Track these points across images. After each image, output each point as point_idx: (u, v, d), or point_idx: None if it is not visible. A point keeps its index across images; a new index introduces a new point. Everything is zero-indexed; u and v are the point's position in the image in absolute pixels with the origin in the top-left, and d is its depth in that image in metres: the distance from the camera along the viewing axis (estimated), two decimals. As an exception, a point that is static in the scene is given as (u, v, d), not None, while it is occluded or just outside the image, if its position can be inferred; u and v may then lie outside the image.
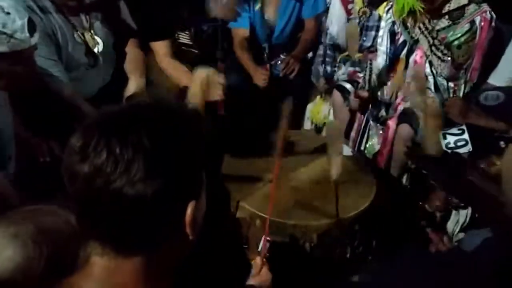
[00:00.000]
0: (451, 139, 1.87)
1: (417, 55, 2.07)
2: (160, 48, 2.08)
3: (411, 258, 1.49)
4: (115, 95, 1.86)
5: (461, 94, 2.08)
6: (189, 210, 0.60)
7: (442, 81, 2.11)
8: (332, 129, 1.51)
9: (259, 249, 1.50)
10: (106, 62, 1.83)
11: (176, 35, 2.32)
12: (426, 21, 2.01)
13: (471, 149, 1.79)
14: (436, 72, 2.08)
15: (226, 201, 1.58)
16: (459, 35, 1.97)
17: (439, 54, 2.01)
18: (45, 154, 1.53)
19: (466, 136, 1.83)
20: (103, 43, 1.78)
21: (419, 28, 2.02)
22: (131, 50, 1.97)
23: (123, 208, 0.56)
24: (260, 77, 2.24)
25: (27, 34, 1.21)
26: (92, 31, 1.74)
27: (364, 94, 2.10)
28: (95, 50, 1.75)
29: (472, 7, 1.97)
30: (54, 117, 1.59)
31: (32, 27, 1.23)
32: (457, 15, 1.98)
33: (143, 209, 0.57)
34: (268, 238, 1.48)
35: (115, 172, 0.55)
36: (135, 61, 1.96)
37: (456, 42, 1.99)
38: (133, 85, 1.89)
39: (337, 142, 1.44)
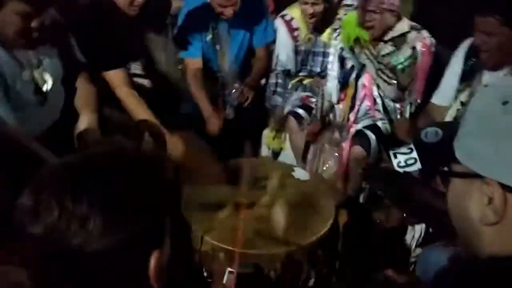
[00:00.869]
0: (401, 158, 1.93)
1: (365, 79, 2.18)
2: (115, 77, 2.02)
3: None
4: (64, 132, 1.81)
5: (407, 115, 2.21)
6: (152, 262, 0.59)
7: (389, 103, 2.23)
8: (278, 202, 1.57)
9: (224, 281, 1.49)
10: (55, 100, 1.78)
11: (128, 66, 2.31)
12: (371, 48, 2.12)
13: (420, 167, 1.88)
14: (384, 94, 2.20)
15: (187, 235, 1.56)
16: (402, 59, 2.10)
17: (385, 77, 2.13)
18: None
19: (414, 154, 1.92)
20: (53, 80, 1.73)
21: (365, 54, 2.13)
22: (82, 85, 1.92)
23: (81, 266, 0.55)
24: (214, 123, 2.24)
25: None
26: (40, 68, 1.69)
27: (316, 127, 2.19)
28: (44, 88, 1.70)
29: (413, 33, 2.12)
30: (2, 159, 1.52)
31: None
32: (400, 41, 2.12)
33: (102, 265, 0.55)
34: (231, 270, 1.47)
35: (69, 230, 0.53)
36: (86, 96, 1.91)
37: (400, 66, 2.12)
38: (84, 121, 1.84)
39: (280, 210, 1.50)
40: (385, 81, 2.14)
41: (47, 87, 1.71)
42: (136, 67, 2.53)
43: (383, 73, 2.12)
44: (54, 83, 1.74)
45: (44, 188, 0.56)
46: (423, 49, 2.13)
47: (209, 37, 2.35)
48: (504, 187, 0.57)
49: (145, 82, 2.48)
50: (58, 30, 1.82)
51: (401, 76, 2.14)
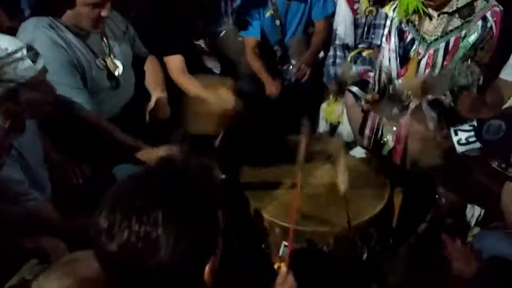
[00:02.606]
0: (462, 136, 1.89)
1: (427, 54, 2.08)
2: (175, 63, 2.14)
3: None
4: (137, 112, 1.98)
5: (474, 90, 2.10)
6: (207, 267, 0.68)
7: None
8: (335, 149, 1.58)
9: (280, 254, 1.61)
10: (126, 83, 1.93)
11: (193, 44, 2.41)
12: (436, 22, 2.01)
13: (481, 146, 1.82)
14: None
15: (246, 210, 1.68)
16: (474, 38, 1.95)
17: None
18: (78, 176, 1.65)
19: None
20: (123, 65, 1.88)
21: (428, 31, 2.03)
22: (150, 67, 2.07)
23: (150, 276, 0.65)
24: (272, 87, 2.30)
25: (30, 62, 1.27)
26: (112, 56, 1.84)
27: (373, 97, 2.14)
28: (116, 73, 1.85)
29: (481, 2, 1.96)
30: (83, 141, 1.71)
31: (34, 55, 1.29)
32: (467, 12, 1.98)
33: (167, 276, 0.65)
34: (286, 244, 1.58)
35: (138, 248, 0.64)
36: (155, 77, 2.06)
37: (476, 43, 1.94)
38: (155, 100, 2.00)
39: (341, 159, 1.51)
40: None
41: (118, 72, 1.86)
42: (201, 45, 2.63)
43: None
44: (125, 68, 1.89)
45: (116, 212, 0.66)
46: (495, 19, 1.97)
47: (268, 13, 2.37)
48: None
49: (209, 59, 2.57)
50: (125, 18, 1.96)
51: (480, 53, 1.99)
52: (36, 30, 1.63)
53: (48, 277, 0.86)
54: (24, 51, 1.27)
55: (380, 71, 2.23)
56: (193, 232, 0.67)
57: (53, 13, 1.66)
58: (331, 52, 2.53)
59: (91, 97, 1.76)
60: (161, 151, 1.63)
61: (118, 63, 1.85)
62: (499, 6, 1.97)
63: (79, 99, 1.69)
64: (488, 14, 1.96)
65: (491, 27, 1.95)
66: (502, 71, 1.91)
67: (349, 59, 2.53)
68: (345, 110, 2.49)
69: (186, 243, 0.65)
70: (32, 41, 1.41)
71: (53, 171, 1.60)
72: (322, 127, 2.61)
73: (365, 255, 1.68)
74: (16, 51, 1.24)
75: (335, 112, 2.53)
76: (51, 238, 1.30)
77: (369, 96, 2.15)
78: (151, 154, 1.66)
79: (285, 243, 1.60)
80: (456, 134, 1.95)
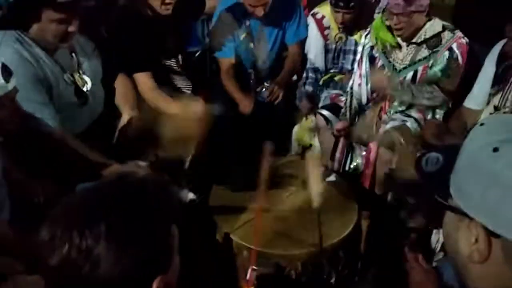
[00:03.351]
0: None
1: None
2: (144, 80, 2.12)
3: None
4: (107, 129, 1.94)
5: (438, 116, 2.17)
6: (155, 285, 0.65)
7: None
8: (312, 158, 1.59)
9: (247, 277, 1.58)
10: (95, 99, 1.90)
11: (163, 63, 2.40)
12: (404, 54, 2.08)
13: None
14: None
15: (214, 232, 1.65)
16: (442, 65, 2.03)
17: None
18: (39, 195, 1.59)
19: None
20: (92, 81, 1.85)
21: (397, 59, 2.10)
22: (120, 84, 2.04)
23: None
24: (245, 104, 2.30)
25: (2, 81, 1.25)
26: (80, 71, 1.81)
27: (343, 125, 2.19)
28: (84, 89, 1.82)
29: (447, 34, 2.05)
30: (47, 158, 1.66)
31: (7, 74, 1.28)
32: (434, 43, 2.07)
33: None
34: (254, 267, 1.55)
35: (78, 262, 0.62)
36: (125, 94, 2.03)
37: (443, 72, 2.04)
38: (125, 119, 1.96)
39: (316, 170, 1.52)
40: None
41: (87, 88, 1.83)
42: (172, 64, 2.62)
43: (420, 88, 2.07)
44: (94, 84, 1.86)
45: (58, 224, 0.64)
46: (461, 50, 2.06)
47: (242, 35, 2.40)
48: (488, 230, 0.58)
49: (180, 79, 2.57)
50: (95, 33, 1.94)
51: (445, 82, 2.07)
52: (2, 44, 1.60)
53: None
54: None
55: (351, 97, 2.28)
56: (138, 249, 0.64)
57: (20, 27, 1.63)
58: (304, 75, 2.57)
59: (58, 113, 1.71)
60: (126, 168, 1.59)
61: (87, 78, 1.82)
62: (465, 38, 2.06)
63: (44, 114, 1.64)
64: (454, 46, 2.05)
65: (456, 57, 2.05)
66: (466, 100, 1.98)
67: (321, 83, 2.58)
68: (316, 133, 2.52)
69: (129, 260, 0.63)
70: None
71: (13, 189, 1.54)
72: (295, 149, 2.62)
73: (333, 279, 1.67)
74: None
75: (307, 135, 2.56)
76: (6, 259, 1.23)
77: (340, 125, 2.20)
78: (117, 171, 1.62)
79: (253, 266, 1.58)
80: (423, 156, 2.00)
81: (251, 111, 2.31)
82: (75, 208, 0.66)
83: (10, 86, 1.28)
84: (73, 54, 1.79)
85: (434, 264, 1.86)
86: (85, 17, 1.70)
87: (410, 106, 2.17)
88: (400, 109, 2.20)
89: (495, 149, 0.59)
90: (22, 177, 1.61)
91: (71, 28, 1.63)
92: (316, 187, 1.53)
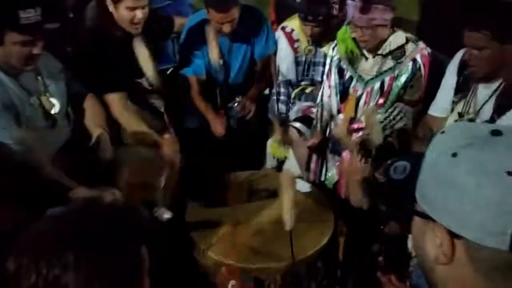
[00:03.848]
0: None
1: (365, 93, 2.19)
2: (114, 101, 2.09)
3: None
4: (77, 151, 1.90)
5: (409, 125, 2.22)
6: None
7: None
8: (286, 179, 1.59)
9: (227, 295, 1.56)
10: (63, 122, 1.87)
11: (135, 82, 2.38)
12: (370, 66, 2.14)
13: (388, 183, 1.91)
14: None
15: (191, 249, 1.63)
16: (405, 78, 2.09)
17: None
18: (8, 221, 1.54)
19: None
20: (60, 103, 1.82)
21: (364, 70, 2.16)
22: (90, 105, 2.01)
23: None
24: (217, 125, 2.30)
25: None
26: (47, 94, 1.78)
27: (316, 140, 2.22)
28: (52, 111, 1.79)
29: (411, 45, 2.11)
30: (16, 184, 1.61)
31: None
32: (398, 54, 2.13)
33: None
34: (233, 283, 1.54)
35: None
36: (94, 116, 2.00)
37: (407, 82, 2.09)
38: (96, 140, 1.93)
39: (290, 192, 1.52)
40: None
41: (55, 110, 1.80)
42: (143, 83, 2.61)
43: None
44: (62, 106, 1.83)
45: (24, 254, 0.63)
46: (423, 60, 2.12)
47: (211, 54, 2.41)
48: (451, 232, 0.61)
49: (152, 97, 2.55)
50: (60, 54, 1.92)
51: (410, 91, 2.13)
52: None
53: None
54: None
55: (322, 108, 2.32)
56: (108, 274, 0.63)
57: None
58: (275, 89, 2.60)
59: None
60: (94, 193, 1.56)
61: (55, 101, 1.80)
62: (427, 48, 2.14)
63: (13, 139, 1.60)
64: (418, 57, 2.12)
65: (419, 68, 2.12)
66: (430, 107, 2.04)
67: (293, 95, 2.62)
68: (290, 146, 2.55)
69: (99, 286, 0.62)
70: None
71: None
72: (269, 162, 2.63)
73: (312, 291, 1.67)
74: None
75: (281, 148, 2.58)
76: None
77: (313, 140, 2.23)
78: (84, 196, 1.59)
79: (232, 282, 1.56)
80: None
81: (223, 131, 2.30)
82: (42, 236, 0.65)
83: None
84: (39, 77, 1.76)
85: (410, 268, 1.89)
86: (50, 38, 1.68)
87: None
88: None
89: (454, 155, 0.61)
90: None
91: (35, 50, 1.60)
92: (288, 210, 1.54)
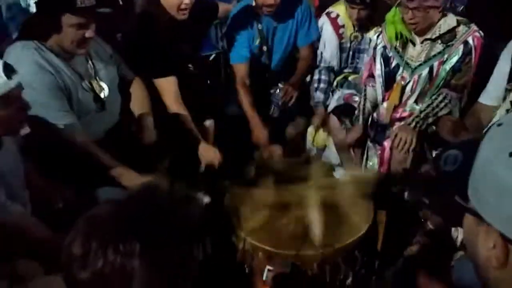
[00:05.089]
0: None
1: (413, 80, 2.13)
2: (168, 86, 2.11)
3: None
4: (123, 136, 1.98)
5: (457, 114, 2.14)
6: None
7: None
8: (312, 198, 1.60)
9: (264, 278, 1.59)
10: (112, 105, 1.94)
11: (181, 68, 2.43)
12: (419, 50, 2.06)
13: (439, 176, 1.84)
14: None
15: (229, 233, 1.66)
16: (455, 61, 2.01)
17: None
18: (58, 200, 1.63)
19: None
20: (108, 87, 1.89)
21: (412, 57, 2.09)
22: (136, 90, 2.08)
23: None
24: (260, 134, 2.26)
25: (4, 78, 1.28)
26: (97, 78, 1.85)
27: (357, 134, 2.18)
28: (102, 95, 1.86)
29: (462, 28, 2.03)
30: (67, 163, 1.70)
31: (9, 71, 1.29)
32: (449, 37, 2.05)
33: None
34: (270, 268, 1.56)
35: (111, 278, 0.62)
36: (141, 100, 2.07)
37: (455, 65, 2.03)
38: (141, 124, 1.99)
39: (317, 211, 1.55)
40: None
41: (104, 94, 1.87)
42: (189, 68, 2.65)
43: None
44: (111, 90, 1.90)
45: (92, 240, 0.64)
46: (476, 44, 2.03)
47: (257, 41, 2.42)
48: (506, 237, 0.56)
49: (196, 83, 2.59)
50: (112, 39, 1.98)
51: (458, 75, 2.05)
52: (21, 54, 1.65)
53: None
54: (0, 67, 1.27)
55: (364, 99, 2.27)
56: (169, 267, 0.64)
57: (38, 37, 1.67)
58: (315, 76, 2.57)
59: (78, 120, 1.76)
60: (145, 179, 1.61)
61: (104, 85, 1.87)
62: (480, 31, 2.04)
63: (66, 121, 1.69)
64: (470, 39, 2.03)
65: (470, 51, 2.03)
66: (480, 95, 1.95)
67: (335, 83, 2.58)
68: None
69: (161, 278, 0.63)
70: (18, 64, 1.42)
71: (33, 192, 1.59)
72: (309, 150, 2.62)
73: (349, 279, 1.66)
74: None
75: (321, 136, 2.56)
76: (28, 262, 1.27)
77: (353, 135, 2.21)
78: (135, 180, 1.65)
79: (269, 267, 1.59)
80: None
81: (265, 141, 2.27)
82: (108, 222, 0.66)
83: (13, 83, 1.30)
84: (90, 61, 1.83)
85: (452, 263, 1.84)
86: (102, 23, 1.75)
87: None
88: (417, 107, 2.18)
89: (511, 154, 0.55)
90: (42, 183, 1.66)
91: (88, 34, 1.67)
92: (316, 227, 1.54)
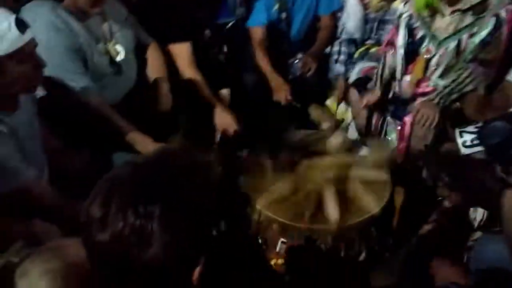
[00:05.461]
0: (467, 137, 1.85)
1: (439, 52, 2.04)
2: (182, 51, 2.08)
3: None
4: (139, 101, 1.95)
5: (481, 90, 2.06)
6: (197, 269, 0.65)
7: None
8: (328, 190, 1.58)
9: (277, 250, 1.58)
10: (129, 69, 1.90)
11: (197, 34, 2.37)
12: (448, 19, 1.97)
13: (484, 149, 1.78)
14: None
15: (244, 205, 1.65)
16: (485, 34, 1.92)
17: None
18: (76, 163, 1.63)
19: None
20: (125, 51, 1.85)
21: (440, 29, 1.99)
22: (152, 55, 2.04)
23: (137, 271, 0.62)
24: (281, 93, 2.22)
25: (17, 32, 1.24)
26: (113, 40, 1.81)
27: (374, 97, 2.11)
28: (117, 59, 1.82)
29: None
30: (83, 127, 1.69)
31: (22, 26, 1.26)
32: (480, 9, 1.94)
33: (155, 273, 0.62)
34: (284, 240, 1.55)
35: (130, 240, 0.61)
36: (157, 65, 2.03)
37: (485, 39, 1.93)
38: (158, 89, 1.96)
39: (333, 201, 1.55)
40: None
41: (120, 57, 1.83)
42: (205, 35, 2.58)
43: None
44: (127, 54, 1.86)
45: (112, 202, 0.63)
46: (508, 16, 1.93)
47: (275, 6, 2.33)
48: None
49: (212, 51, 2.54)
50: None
51: (486, 50, 1.96)
52: (37, 14, 1.61)
53: (34, 260, 0.84)
54: (12, 22, 1.24)
55: (383, 67, 2.19)
56: (189, 232, 0.63)
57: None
58: (335, 48, 2.49)
59: (93, 83, 1.73)
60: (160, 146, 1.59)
61: (120, 48, 1.83)
62: (513, 4, 1.93)
63: (81, 83, 1.67)
64: (502, 11, 1.92)
65: (501, 24, 1.92)
66: (509, 72, 1.87)
67: (356, 55, 2.50)
68: (349, 108, 2.46)
69: (179, 242, 0.62)
70: (34, 23, 1.38)
71: (51, 156, 1.58)
72: (326, 124, 2.57)
73: (363, 255, 1.65)
74: (3, 20, 1.22)
75: (340, 110, 2.51)
76: (44, 223, 1.27)
77: (368, 98, 2.13)
78: (149, 147, 1.63)
79: (282, 239, 1.58)
80: (461, 136, 1.91)
81: (289, 100, 2.24)
82: (127, 184, 0.64)
83: (26, 37, 1.27)
84: (106, 23, 1.79)
85: (470, 243, 1.81)
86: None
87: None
88: (441, 82, 2.10)
89: None
90: (59, 146, 1.65)
91: None
92: (331, 205, 1.53)
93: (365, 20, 2.42)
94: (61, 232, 1.26)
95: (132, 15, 1.95)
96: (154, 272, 0.62)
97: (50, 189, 1.42)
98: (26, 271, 0.84)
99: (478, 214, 1.89)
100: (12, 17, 1.25)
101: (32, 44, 1.30)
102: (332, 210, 1.51)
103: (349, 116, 2.46)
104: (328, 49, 2.58)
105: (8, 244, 1.05)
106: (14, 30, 1.23)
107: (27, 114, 1.44)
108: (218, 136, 2.04)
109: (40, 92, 1.57)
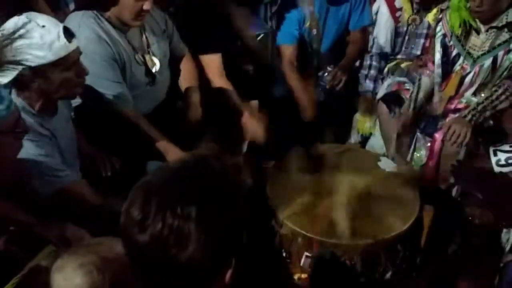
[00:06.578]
0: (502, 156, 1.81)
1: (474, 71, 2.01)
2: (213, 62, 2.11)
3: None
4: (170, 112, 1.99)
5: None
6: (229, 273, 0.68)
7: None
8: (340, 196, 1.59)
9: (301, 264, 1.58)
10: (162, 80, 1.95)
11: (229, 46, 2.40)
12: (483, 39, 1.94)
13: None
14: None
15: (269, 218, 1.65)
16: None
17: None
18: (107, 169, 1.68)
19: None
20: (160, 62, 1.90)
21: (475, 46, 1.96)
22: (185, 66, 2.08)
23: (175, 271, 0.65)
24: (309, 112, 2.21)
25: (65, 41, 1.31)
26: (150, 52, 1.87)
27: (407, 120, 2.09)
28: (153, 70, 1.88)
29: None
30: (117, 135, 1.74)
31: (69, 35, 1.33)
32: None
33: (192, 273, 0.65)
34: (308, 254, 1.55)
35: (168, 241, 0.64)
36: (189, 76, 2.07)
37: None
38: (189, 100, 2.00)
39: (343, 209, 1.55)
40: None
41: (156, 69, 1.89)
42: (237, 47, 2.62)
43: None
44: (162, 65, 1.91)
45: (151, 204, 0.66)
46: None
47: (307, 23, 2.35)
48: None
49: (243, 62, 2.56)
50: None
51: None
52: (81, 23, 1.67)
53: (70, 255, 0.87)
54: (61, 30, 1.30)
55: (418, 88, 2.17)
56: (223, 233, 0.66)
57: (97, 7, 1.70)
58: (366, 62, 2.49)
59: (129, 92, 1.78)
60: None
61: (156, 60, 1.88)
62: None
63: (117, 92, 1.72)
64: None
65: None
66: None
67: (386, 69, 2.48)
68: (377, 122, 2.44)
69: (215, 243, 0.65)
70: (78, 31, 1.45)
71: (84, 161, 1.64)
72: (354, 137, 2.56)
73: (389, 273, 1.62)
74: (50, 31, 1.28)
75: (367, 123, 2.49)
76: (77, 228, 1.32)
77: (405, 119, 2.12)
78: (179, 156, 1.66)
79: (307, 253, 1.57)
80: (495, 154, 1.87)
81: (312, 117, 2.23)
82: (165, 186, 0.68)
83: (72, 46, 1.33)
84: (144, 35, 1.84)
85: (501, 265, 1.76)
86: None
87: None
88: (474, 99, 2.06)
89: None
90: (92, 151, 1.71)
91: (146, 6, 1.68)
92: (343, 223, 1.51)
93: (396, 33, 2.40)
94: (95, 232, 1.30)
95: (170, 22, 2.00)
96: (191, 271, 0.65)
97: (92, 190, 1.47)
98: (62, 265, 0.88)
99: (511, 235, 1.84)
100: (61, 26, 1.32)
101: (77, 52, 1.37)
102: (342, 223, 1.49)
103: (376, 130, 2.45)
104: (357, 63, 2.58)
105: (40, 246, 1.09)
106: (62, 39, 1.30)
107: (63, 120, 1.50)
108: (245, 146, 2.05)
109: (76, 100, 1.64)
